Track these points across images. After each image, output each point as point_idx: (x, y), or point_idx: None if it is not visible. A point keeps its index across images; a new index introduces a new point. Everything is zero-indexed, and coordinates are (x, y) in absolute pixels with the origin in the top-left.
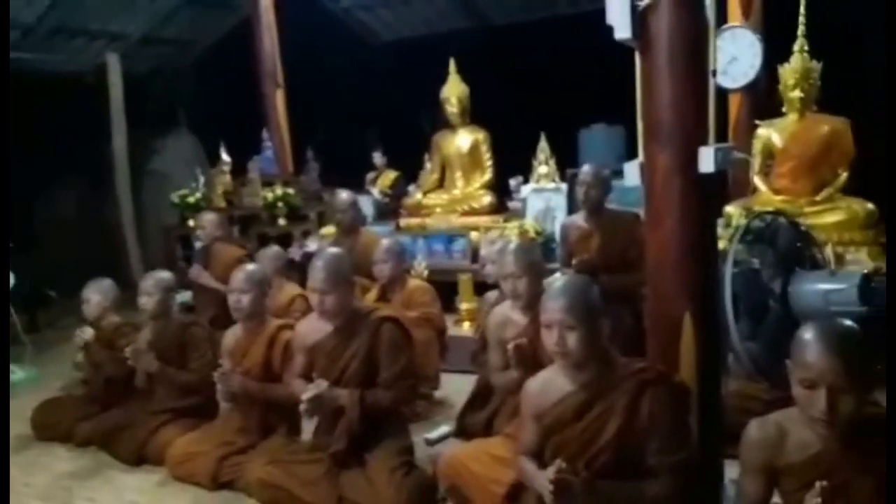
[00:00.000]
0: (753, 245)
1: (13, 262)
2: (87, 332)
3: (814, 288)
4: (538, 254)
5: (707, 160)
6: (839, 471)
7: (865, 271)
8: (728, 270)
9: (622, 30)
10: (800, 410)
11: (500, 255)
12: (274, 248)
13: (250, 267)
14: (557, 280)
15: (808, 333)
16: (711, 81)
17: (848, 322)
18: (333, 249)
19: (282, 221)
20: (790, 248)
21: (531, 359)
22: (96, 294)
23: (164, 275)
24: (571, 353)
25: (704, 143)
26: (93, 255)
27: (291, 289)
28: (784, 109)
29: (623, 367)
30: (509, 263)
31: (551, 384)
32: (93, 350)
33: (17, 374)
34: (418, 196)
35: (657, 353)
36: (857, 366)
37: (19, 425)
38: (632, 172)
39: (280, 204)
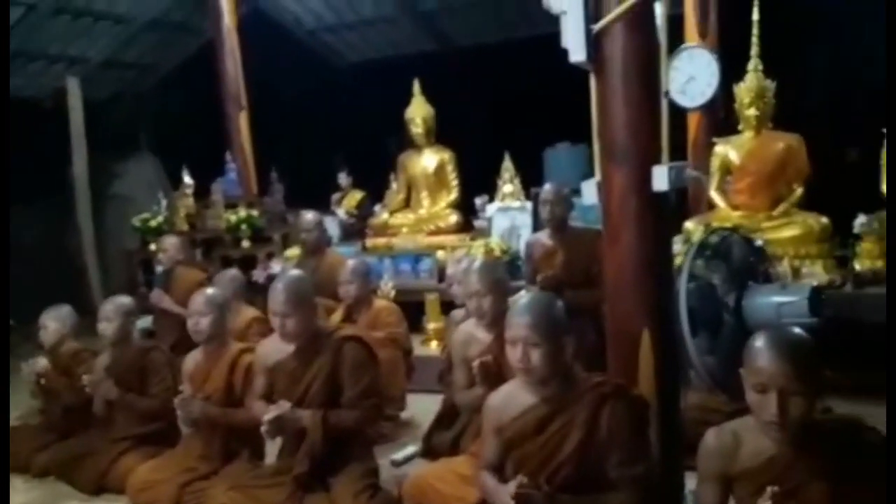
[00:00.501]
0: (709, 260)
1: None
2: (39, 363)
3: (766, 301)
4: (502, 272)
5: (661, 179)
6: (791, 475)
7: (815, 284)
8: (683, 285)
9: (577, 53)
10: (754, 416)
11: (465, 273)
12: (232, 271)
13: (210, 290)
14: (522, 297)
15: (759, 340)
16: (664, 102)
17: (798, 329)
18: (294, 272)
19: (245, 244)
20: (743, 262)
21: (495, 376)
22: (54, 321)
23: (124, 300)
24: (535, 369)
25: (658, 161)
26: (53, 280)
27: (249, 312)
28: (740, 127)
29: (583, 381)
30: (474, 282)
31: (513, 398)
32: (50, 378)
33: None
34: (384, 216)
35: (617, 367)
36: (806, 370)
37: None
38: (589, 191)
39: (243, 226)
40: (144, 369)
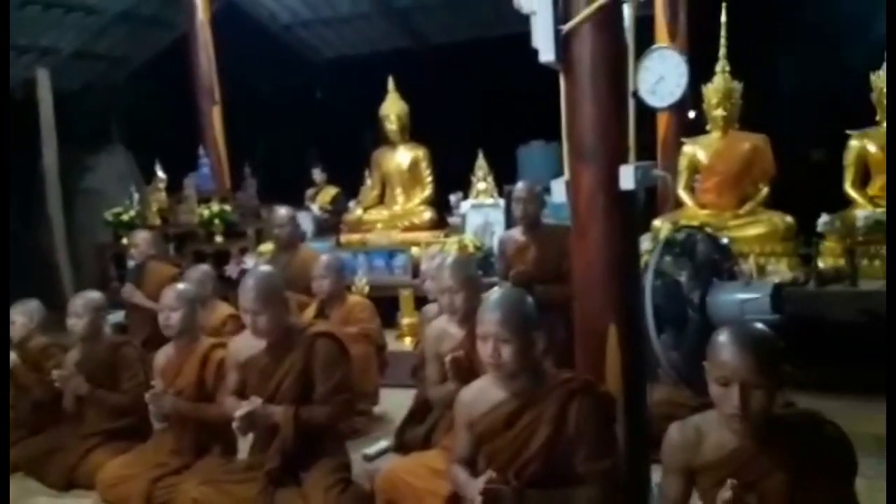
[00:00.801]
0: (676, 258)
1: None
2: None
3: (730, 298)
4: (474, 268)
5: (627, 177)
6: (751, 468)
7: (777, 281)
8: (649, 282)
9: (546, 53)
10: (717, 410)
11: (438, 269)
12: (203, 267)
13: (181, 285)
14: (493, 293)
15: (722, 335)
16: (631, 102)
17: (760, 325)
18: (264, 268)
19: (219, 238)
20: (708, 260)
21: (467, 371)
22: (21, 315)
23: (94, 295)
24: (505, 364)
25: (625, 161)
26: (24, 275)
27: (223, 309)
28: (708, 127)
29: (552, 377)
30: (446, 278)
31: (483, 393)
32: (19, 373)
33: None
34: (359, 212)
35: (585, 362)
36: (767, 364)
37: None
38: (558, 190)
39: (216, 221)
40: (115, 365)
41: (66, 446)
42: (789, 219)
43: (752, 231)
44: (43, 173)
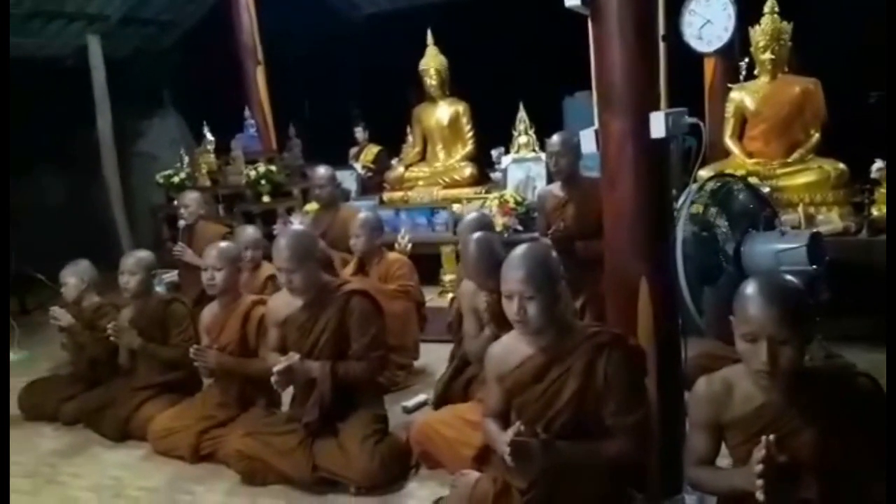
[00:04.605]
0: (709, 207)
1: None
2: (64, 317)
3: (765, 248)
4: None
5: (658, 125)
6: (781, 423)
7: (815, 230)
8: (679, 233)
9: None
10: (744, 365)
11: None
12: (249, 229)
13: (223, 244)
14: (517, 249)
15: (748, 288)
16: (662, 47)
17: (787, 276)
18: (297, 227)
19: (266, 198)
20: (744, 209)
21: (503, 315)
22: (73, 276)
23: (144, 254)
24: (531, 321)
25: (656, 108)
26: (82, 237)
27: (266, 270)
28: (756, 72)
29: (581, 330)
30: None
31: (512, 348)
32: (75, 331)
33: None
34: (400, 170)
35: (616, 316)
36: (795, 317)
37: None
38: (588, 140)
39: (263, 181)
40: (166, 321)
41: (119, 400)
42: (841, 166)
43: (802, 179)
44: (98, 139)
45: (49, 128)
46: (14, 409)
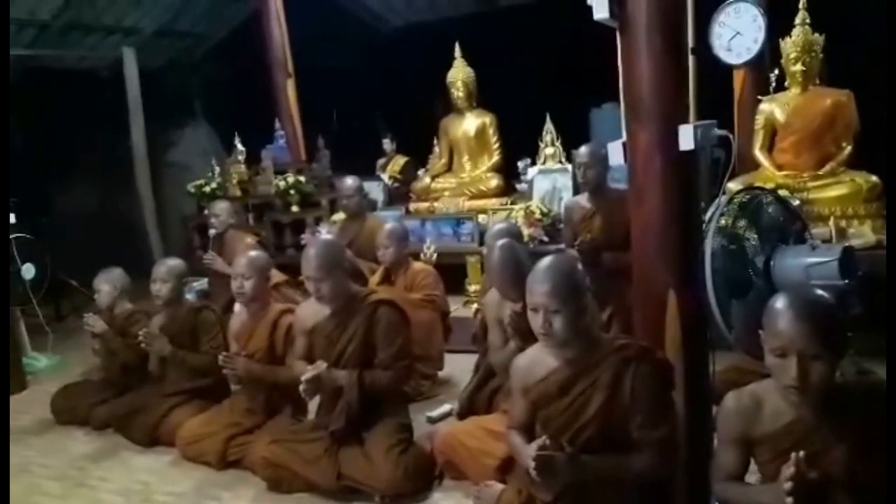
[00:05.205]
0: (739, 220)
1: (34, 253)
2: (97, 323)
3: (795, 262)
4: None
5: (687, 138)
6: (812, 440)
7: (847, 244)
8: (707, 246)
9: (600, 10)
10: (774, 380)
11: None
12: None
13: (252, 253)
14: (543, 261)
15: (778, 303)
16: (691, 59)
17: (818, 291)
18: (325, 237)
19: (295, 208)
20: (774, 222)
21: (527, 328)
22: (106, 284)
23: (175, 262)
24: (557, 334)
25: (685, 120)
26: (115, 245)
27: (275, 277)
28: (787, 84)
29: (607, 343)
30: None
31: (538, 360)
32: (107, 337)
33: (40, 361)
34: (427, 180)
35: (643, 327)
36: (826, 332)
37: (41, 410)
38: (616, 152)
39: (292, 192)
40: (196, 328)
41: (149, 406)
42: (874, 178)
43: (833, 192)
44: (131, 148)
45: (85, 137)
46: (46, 412)
